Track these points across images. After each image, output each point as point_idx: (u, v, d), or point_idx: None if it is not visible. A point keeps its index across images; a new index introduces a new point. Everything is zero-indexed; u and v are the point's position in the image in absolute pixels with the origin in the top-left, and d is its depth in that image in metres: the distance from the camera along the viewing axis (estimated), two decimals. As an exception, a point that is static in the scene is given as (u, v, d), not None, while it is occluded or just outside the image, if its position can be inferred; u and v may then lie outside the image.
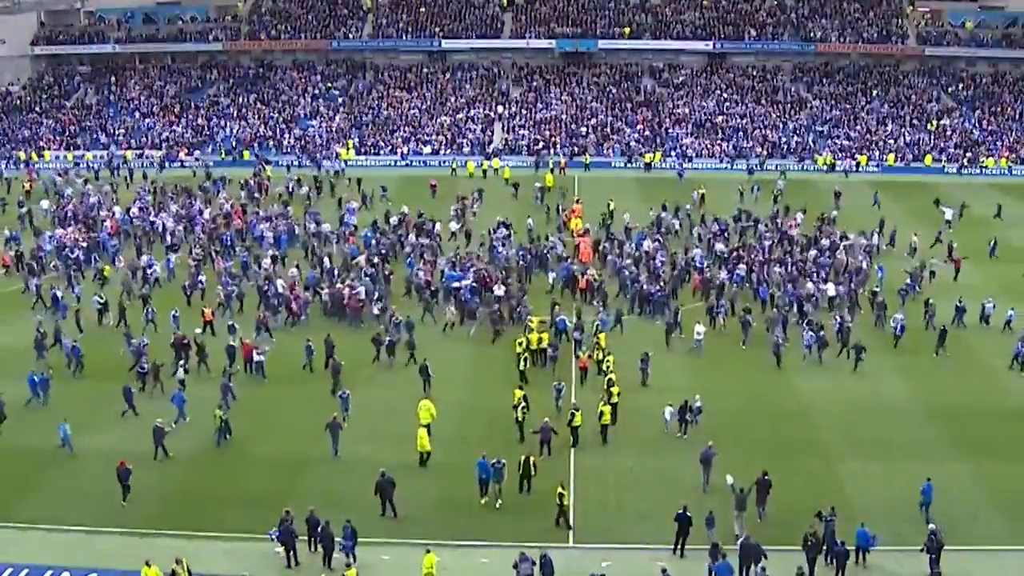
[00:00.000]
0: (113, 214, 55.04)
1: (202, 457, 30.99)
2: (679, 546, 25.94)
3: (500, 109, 79.44)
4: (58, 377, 35.86)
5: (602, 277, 45.09)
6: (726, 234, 51.85)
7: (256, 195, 61.10)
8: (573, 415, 31.32)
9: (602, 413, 31.42)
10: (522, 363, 35.78)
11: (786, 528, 26.36)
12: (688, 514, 25.85)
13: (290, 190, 61.48)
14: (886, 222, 53.56)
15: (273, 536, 25.82)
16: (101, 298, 42.26)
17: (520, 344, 36.49)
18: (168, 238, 51.04)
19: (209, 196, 60.02)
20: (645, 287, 43.17)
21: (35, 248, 49.36)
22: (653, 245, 48.68)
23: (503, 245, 48.74)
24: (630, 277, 44.48)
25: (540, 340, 37.98)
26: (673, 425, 32.33)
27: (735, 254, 47.63)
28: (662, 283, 43.75)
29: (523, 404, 31.84)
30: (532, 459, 28.62)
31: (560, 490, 26.98)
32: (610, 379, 33.55)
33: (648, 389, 35.19)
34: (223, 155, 73.13)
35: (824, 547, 25.10)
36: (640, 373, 35.49)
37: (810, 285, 43.50)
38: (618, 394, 32.63)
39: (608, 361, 35.61)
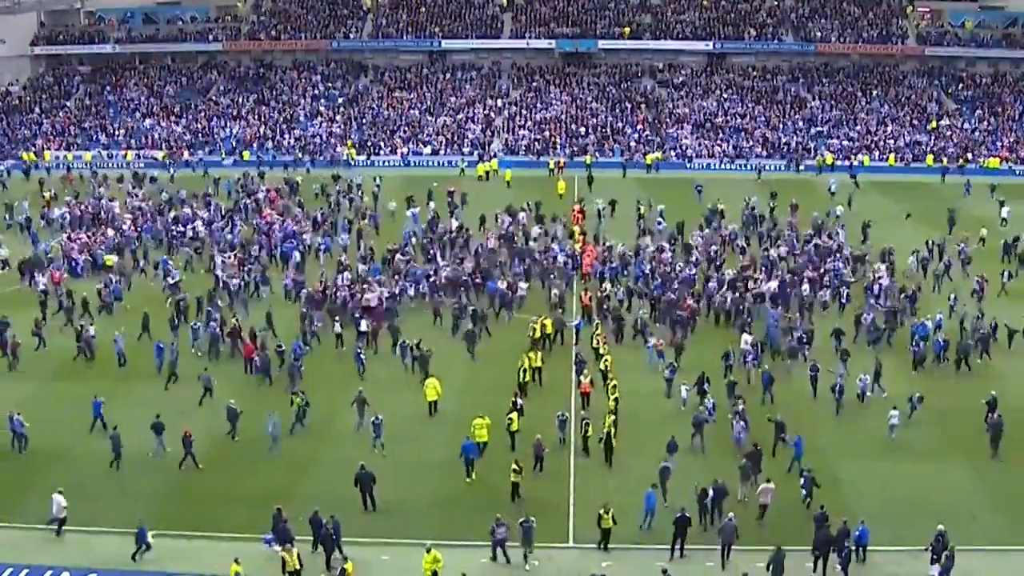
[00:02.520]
0: (133, 216, 55.00)
1: (203, 456, 30.91)
2: (678, 548, 25.84)
3: (500, 103, 79.48)
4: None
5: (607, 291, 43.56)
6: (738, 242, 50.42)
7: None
8: (585, 426, 30.98)
9: (610, 434, 30.42)
10: (523, 375, 34.96)
11: (785, 528, 26.36)
12: (687, 515, 25.88)
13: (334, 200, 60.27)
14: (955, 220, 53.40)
15: (268, 542, 25.78)
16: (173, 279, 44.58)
17: (522, 361, 35.55)
18: (214, 251, 49.50)
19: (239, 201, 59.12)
20: (665, 295, 42.33)
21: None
22: (666, 255, 47.82)
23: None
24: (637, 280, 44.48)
25: (545, 327, 38.63)
26: (691, 402, 33.50)
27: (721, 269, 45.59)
28: (674, 292, 42.83)
29: (515, 413, 31.53)
30: (519, 468, 28.53)
31: (602, 512, 26.24)
32: (614, 384, 33.19)
33: (649, 391, 35.19)
34: (223, 155, 73.17)
35: (834, 547, 25.21)
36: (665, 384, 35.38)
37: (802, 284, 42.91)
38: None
39: (607, 360, 35.65)
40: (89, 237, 51.27)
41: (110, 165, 71.72)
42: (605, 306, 41.62)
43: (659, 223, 53.56)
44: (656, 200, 57.18)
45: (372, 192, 61.60)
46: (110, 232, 52.10)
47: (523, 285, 44.27)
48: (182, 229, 52.47)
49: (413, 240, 50.98)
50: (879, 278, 44.37)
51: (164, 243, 51.55)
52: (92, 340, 38.31)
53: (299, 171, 68.30)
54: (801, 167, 71.29)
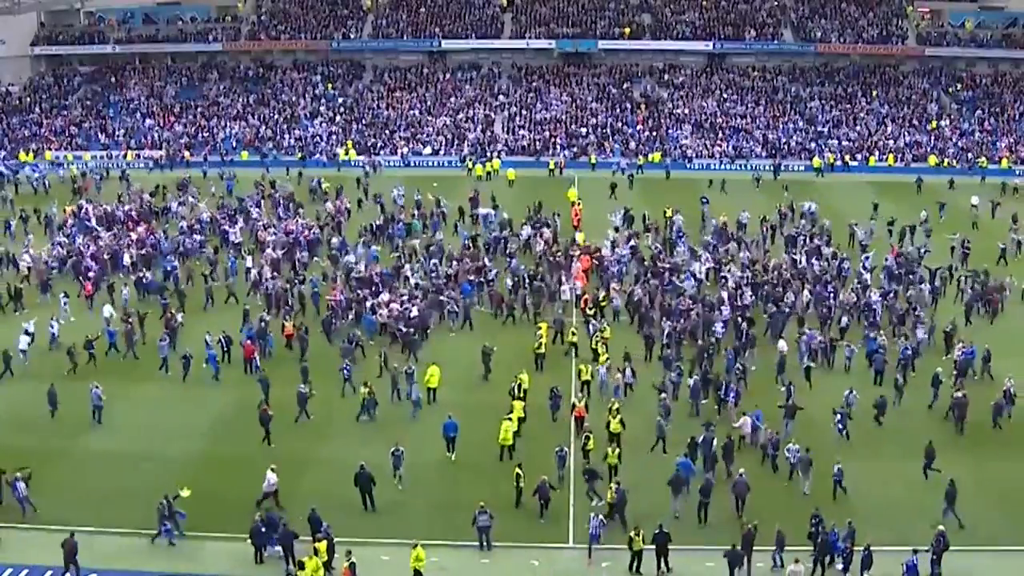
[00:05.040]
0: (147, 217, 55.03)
1: (202, 456, 30.96)
2: (662, 567, 25.55)
3: (501, 99, 79.44)
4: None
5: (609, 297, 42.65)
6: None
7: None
8: (587, 440, 30.46)
9: (613, 455, 29.66)
10: (517, 390, 33.57)
11: (786, 528, 26.38)
12: (666, 531, 25.44)
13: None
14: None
15: (272, 543, 25.80)
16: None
17: (519, 378, 34.25)
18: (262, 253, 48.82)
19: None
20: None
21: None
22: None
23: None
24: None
25: (563, 335, 39.03)
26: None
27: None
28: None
29: (514, 415, 31.47)
30: (522, 475, 28.20)
31: (633, 535, 25.57)
32: (616, 407, 31.88)
33: (646, 394, 35.16)
34: (223, 156, 73.14)
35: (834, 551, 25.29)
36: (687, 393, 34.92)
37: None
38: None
39: (603, 349, 36.11)
40: (110, 240, 50.74)
41: (110, 166, 71.64)
42: (638, 312, 41.14)
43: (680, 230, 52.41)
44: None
45: (414, 199, 59.64)
46: (133, 236, 51.57)
47: (566, 288, 43.39)
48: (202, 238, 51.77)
49: (468, 242, 50.24)
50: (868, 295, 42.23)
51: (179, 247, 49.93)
52: (179, 329, 38.64)
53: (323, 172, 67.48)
54: (798, 168, 71.02)
